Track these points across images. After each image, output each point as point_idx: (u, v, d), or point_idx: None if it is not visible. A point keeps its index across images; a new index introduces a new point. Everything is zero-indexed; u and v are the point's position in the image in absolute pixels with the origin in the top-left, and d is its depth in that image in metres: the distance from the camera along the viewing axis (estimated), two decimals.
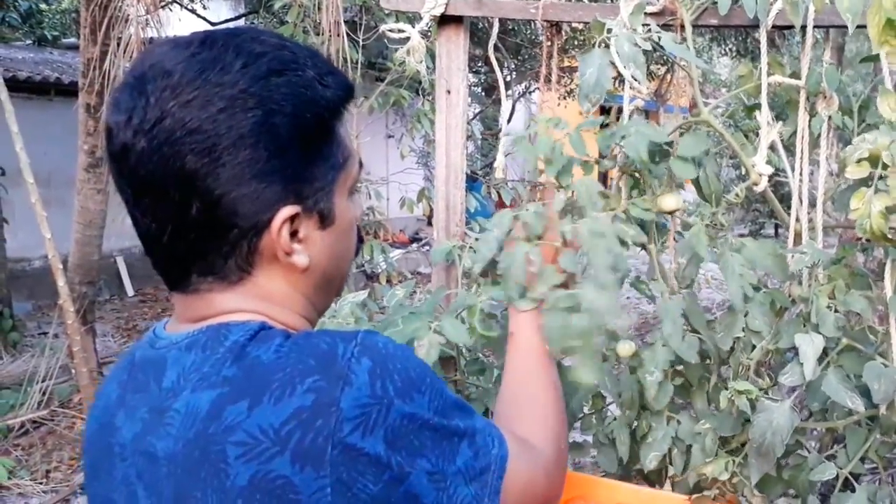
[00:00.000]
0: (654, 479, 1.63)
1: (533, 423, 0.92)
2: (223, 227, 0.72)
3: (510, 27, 8.66)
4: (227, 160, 0.70)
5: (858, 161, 1.27)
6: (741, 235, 1.46)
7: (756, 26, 1.49)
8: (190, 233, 0.72)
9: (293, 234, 0.75)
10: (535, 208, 1.16)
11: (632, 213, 1.41)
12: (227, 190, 0.70)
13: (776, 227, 9.77)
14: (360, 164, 0.83)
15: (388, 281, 5.01)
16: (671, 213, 1.47)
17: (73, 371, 4.94)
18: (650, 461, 1.51)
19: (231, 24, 9.00)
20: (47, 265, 4.63)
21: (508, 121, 9.79)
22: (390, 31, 1.54)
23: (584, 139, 1.38)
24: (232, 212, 0.71)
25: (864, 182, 1.33)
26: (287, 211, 0.73)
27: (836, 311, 1.38)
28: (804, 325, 1.42)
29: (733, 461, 1.38)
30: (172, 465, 0.69)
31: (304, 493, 0.63)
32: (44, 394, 4.93)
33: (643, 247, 1.49)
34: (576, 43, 9.03)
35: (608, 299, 1.08)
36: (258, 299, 0.76)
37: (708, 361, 1.58)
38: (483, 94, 10.99)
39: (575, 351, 1.05)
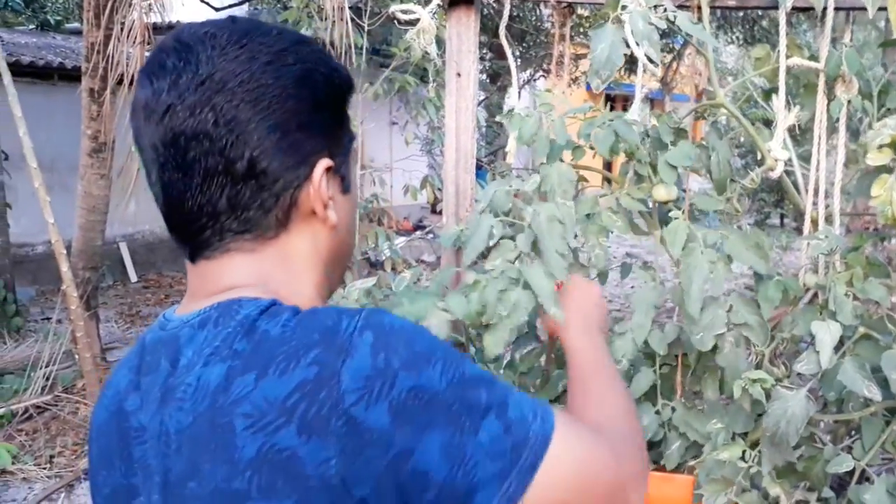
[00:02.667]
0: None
1: (595, 405, 0.90)
2: (271, 178, 0.74)
3: (515, 14, 8.60)
4: (275, 108, 0.73)
5: (880, 147, 1.24)
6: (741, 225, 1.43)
7: (775, 8, 1.46)
8: (236, 184, 0.74)
9: None
10: (503, 187, 1.23)
11: (622, 202, 1.39)
12: (277, 139, 0.74)
13: (781, 216, 9.71)
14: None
15: (393, 269, 4.98)
16: (665, 203, 1.44)
17: (77, 357, 4.93)
18: None
19: (235, 10, 8.96)
20: (50, 250, 4.63)
21: (512, 108, 9.74)
22: (401, 12, 1.51)
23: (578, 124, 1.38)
24: (279, 162, 0.74)
25: (882, 169, 1.31)
26: (326, 162, 0.77)
27: (853, 298, 1.36)
28: (820, 313, 1.39)
29: (750, 451, 1.36)
30: (183, 439, 0.69)
31: (310, 464, 0.63)
32: (47, 379, 4.93)
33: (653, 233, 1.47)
34: (581, 30, 8.97)
35: (549, 286, 1.12)
36: (282, 264, 0.77)
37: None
38: (488, 80, 10.93)
39: (499, 322, 1.07)
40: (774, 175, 1.48)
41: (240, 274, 0.76)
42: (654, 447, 1.55)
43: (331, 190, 0.78)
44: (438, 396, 0.65)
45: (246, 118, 0.72)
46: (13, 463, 4.15)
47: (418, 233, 10.07)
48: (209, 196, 0.74)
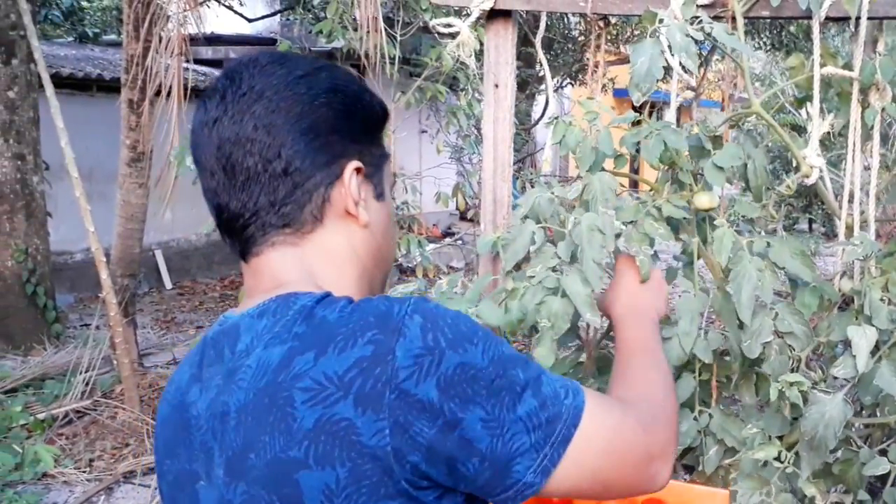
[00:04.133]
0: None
1: (628, 384, 0.94)
2: (304, 176, 0.82)
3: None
4: (307, 113, 0.82)
5: None
6: (773, 231, 1.45)
7: (808, 18, 1.48)
8: (274, 182, 0.82)
9: None
10: (544, 194, 1.27)
11: (665, 210, 1.41)
12: (309, 140, 0.82)
13: (810, 222, 9.61)
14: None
15: (425, 275, 5.04)
16: (706, 210, 1.46)
17: (115, 362, 5.03)
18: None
19: (268, 21, 9.08)
20: (89, 258, 4.73)
21: (541, 116, 9.76)
22: (441, 26, 1.55)
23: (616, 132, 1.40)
24: (311, 161, 0.82)
25: None
26: (355, 163, 0.84)
27: (889, 303, 1.37)
28: (856, 318, 1.41)
29: (786, 452, 1.38)
30: (243, 415, 0.75)
31: (366, 434, 0.69)
32: (87, 384, 5.03)
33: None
34: (608, 38, 8.97)
35: (587, 295, 1.16)
36: (323, 258, 0.84)
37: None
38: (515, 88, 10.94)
39: (541, 331, 1.11)
40: (809, 182, 1.50)
41: (287, 268, 0.83)
42: (691, 453, 1.57)
43: (363, 193, 0.86)
44: (482, 373, 0.71)
45: (281, 123, 0.81)
46: (54, 466, 4.25)
47: (447, 239, 10.11)
48: (251, 194, 0.82)
